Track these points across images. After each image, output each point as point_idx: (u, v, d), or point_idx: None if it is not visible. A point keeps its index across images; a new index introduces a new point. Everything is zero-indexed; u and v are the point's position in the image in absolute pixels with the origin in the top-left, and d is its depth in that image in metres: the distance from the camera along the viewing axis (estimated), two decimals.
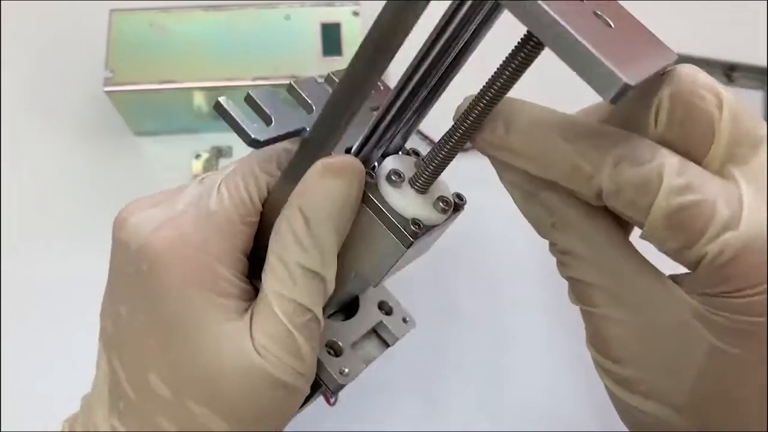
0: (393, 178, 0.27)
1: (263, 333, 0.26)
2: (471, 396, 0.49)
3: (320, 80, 0.29)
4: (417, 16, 0.22)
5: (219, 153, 0.56)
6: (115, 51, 0.51)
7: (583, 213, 0.24)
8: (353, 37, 0.52)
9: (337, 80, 0.29)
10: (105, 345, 0.29)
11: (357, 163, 0.26)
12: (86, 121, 0.57)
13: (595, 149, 0.23)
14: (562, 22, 0.19)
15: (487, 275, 0.53)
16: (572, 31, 0.19)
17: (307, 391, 0.28)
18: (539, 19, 0.19)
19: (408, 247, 0.27)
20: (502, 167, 0.25)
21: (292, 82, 0.28)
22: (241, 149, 0.57)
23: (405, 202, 0.27)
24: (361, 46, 0.24)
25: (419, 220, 0.27)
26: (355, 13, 0.53)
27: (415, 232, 0.27)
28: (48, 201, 0.55)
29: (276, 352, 0.26)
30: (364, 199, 0.27)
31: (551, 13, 0.19)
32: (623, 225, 0.25)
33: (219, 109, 0.25)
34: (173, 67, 0.51)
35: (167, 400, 0.27)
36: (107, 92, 0.51)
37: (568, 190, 0.24)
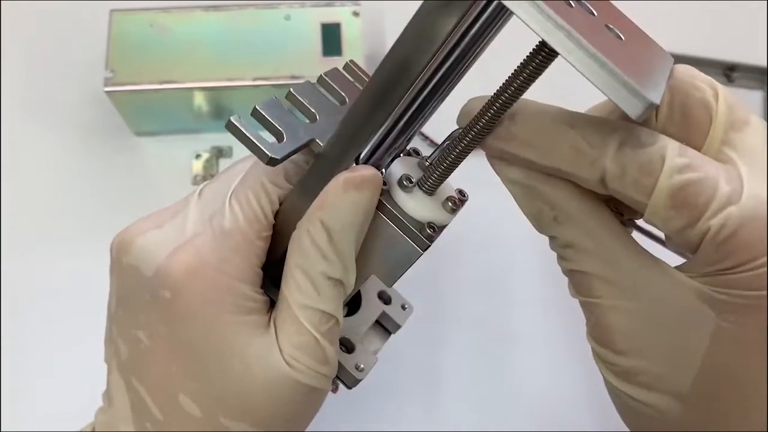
0: (405, 183, 0.27)
1: (290, 344, 0.27)
2: (471, 397, 0.49)
3: (318, 85, 0.29)
4: (446, 34, 0.22)
5: (219, 153, 0.56)
6: (116, 51, 0.51)
7: (584, 204, 0.25)
8: (353, 37, 0.52)
9: (330, 81, 0.29)
10: (121, 368, 0.29)
11: (377, 174, 0.26)
12: (86, 121, 0.57)
13: (599, 134, 0.23)
14: (591, 47, 0.19)
15: (488, 276, 0.53)
16: (601, 55, 0.20)
17: (330, 387, 0.29)
18: (567, 43, 0.20)
19: (425, 251, 0.28)
20: (503, 165, 0.26)
21: (291, 90, 0.28)
22: (240, 150, 0.57)
23: (418, 206, 0.28)
24: (383, 66, 0.24)
25: (434, 224, 0.28)
26: (355, 14, 0.53)
27: (431, 236, 0.28)
28: (48, 201, 0.55)
29: (305, 361, 0.27)
30: (379, 206, 0.27)
31: (582, 39, 0.19)
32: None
33: (232, 129, 0.25)
34: (173, 67, 0.51)
35: (199, 419, 0.27)
36: (107, 92, 0.51)
37: (570, 180, 0.24)
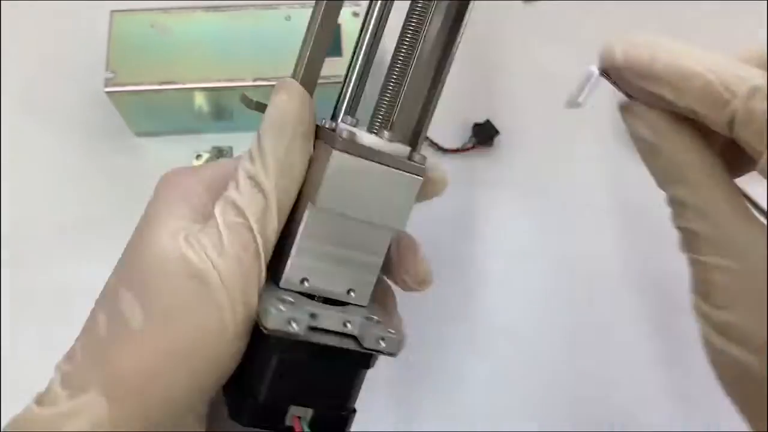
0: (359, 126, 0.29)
1: (197, 228, 0.28)
2: (473, 396, 0.49)
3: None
4: None
5: (220, 153, 0.56)
6: (116, 52, 0.51)
7: (705, 167, 0.26)
8: (353, 37, 0.52)
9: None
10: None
11: (294, 82, 0.30)
12: (87, 121, 0.57)
13: (734, 78, 0.24)
14: None
15: (488, 274, 0.53)
16: None
17: (223, 304, 0.27)
18: None
19: (423, 176, 0.29)
20: (635, 120, 0.27)
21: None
22: (240, 150, 0.57)
23: (395, 146, 0.29)
24: None
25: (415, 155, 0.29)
26: (355, 14, 0.53)
27: (421, 167, 0.29)
28: (48, 201, 0.55)
29: (200, 240, 0.27)
30: (357, 153, 0.28)
31: None
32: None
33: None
34: (174, 68, 0.51)
35: (109, 291, 0.29)
36: (108, 93, 0.51)
37: (696, 140, 0.26)
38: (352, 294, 0.30)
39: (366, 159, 0.28)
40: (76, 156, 0.56)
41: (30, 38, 0.60)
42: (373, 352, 0.28)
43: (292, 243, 0.28)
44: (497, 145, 0.55)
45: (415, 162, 0.29)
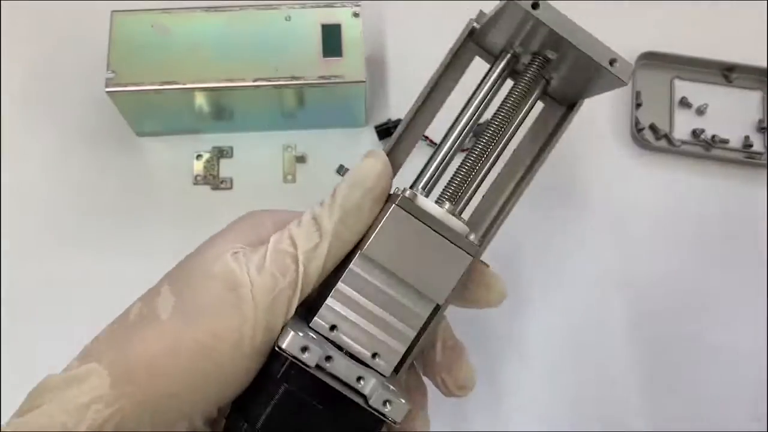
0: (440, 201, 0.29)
1: (251, 249, 0.29)
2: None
3: None
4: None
5: (220, 153, 0.56)
6: (117, 52, 0.51)
7: None
8: (353, 38, 0.53)
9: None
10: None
11: (384, 154, 0.30)
12: (88, 122, 0.57)
13: None
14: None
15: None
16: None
17: (247, 315, 0.27)
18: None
19: (474, 256, 0.28)
20: None
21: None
22: (240, 150, 0.57)
23: (453, 220, 0.29)
24: None
25: (471, 233, 0.29)
26: (356, 14, 0.53)
27: (474, 247, 0.29)
28: (50, 202, 0.55)
29: (248, 256, 0.28)
30: (419, 216, 0.28)
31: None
32: None
33: None
34: (174, 68, 0.51)
35: (153, 287, 0.29)
36: (109, 93, 0.51)
37: None
38: (377, 359, 0.29)
39: (421, 221, 0.28)
40: (77, 156, 0.56)
41: (30, 38, 0.60)
42: (375, 413, 0.27)
43: (333, 287, 0.28)
44: None
45: (469, 240, 0.28)
